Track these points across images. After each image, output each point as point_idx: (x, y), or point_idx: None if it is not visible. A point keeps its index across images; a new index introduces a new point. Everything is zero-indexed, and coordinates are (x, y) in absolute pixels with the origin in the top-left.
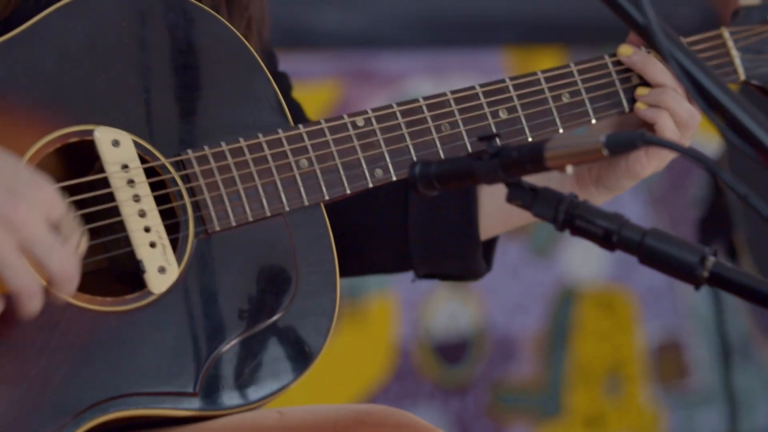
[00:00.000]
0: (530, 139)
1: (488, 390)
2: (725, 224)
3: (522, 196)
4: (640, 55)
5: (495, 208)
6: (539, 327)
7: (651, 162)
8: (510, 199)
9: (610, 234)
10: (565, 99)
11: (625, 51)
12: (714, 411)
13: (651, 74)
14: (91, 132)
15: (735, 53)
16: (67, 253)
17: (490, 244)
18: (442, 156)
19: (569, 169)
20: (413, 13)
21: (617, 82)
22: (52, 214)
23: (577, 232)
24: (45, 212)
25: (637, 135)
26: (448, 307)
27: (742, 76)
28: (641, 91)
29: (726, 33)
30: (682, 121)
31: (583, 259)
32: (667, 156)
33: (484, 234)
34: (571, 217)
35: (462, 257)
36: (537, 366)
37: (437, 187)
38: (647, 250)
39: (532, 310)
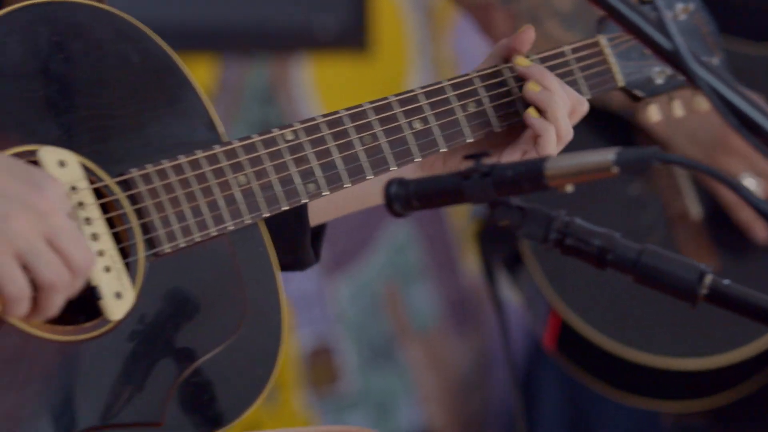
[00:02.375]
0: (443, 150)
1: None
2: (507, 234)
3: (509, 215)
4: (537, 67)
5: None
6: None
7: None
8: (496, 218)
9: (604, 253)
10: (471, 109)
11: (522, 62)
12: (361, 414)
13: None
14: (34, 152)
15: (613, 60)
16: (86, 242)
17: (318, 235)
18: (369, 170)
19: (569, 187)
20: None
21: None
22: (68, 206)
23: (568, 251)
24: (64, 202)
25: (651, 153)
26: None
27: (621, 83)
28: (533, 87)
29: (603, 40)
30: (562, 135)
31: None
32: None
33: (315, 220)
34: (563, 237)
35: (291, 246)
36: None
37: (416, 206)
38: (644, 269)
39: None
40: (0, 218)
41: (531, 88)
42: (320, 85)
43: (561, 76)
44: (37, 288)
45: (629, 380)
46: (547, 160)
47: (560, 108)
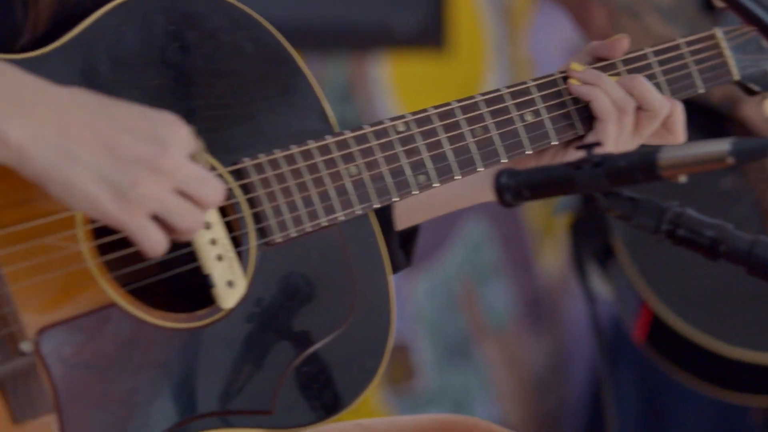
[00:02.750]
0: (555, 143)
1: None
2: (600, 226)
3: (621, 206)
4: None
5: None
6: None
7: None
8: (607, 209)
9: (717, 244)
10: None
11: (577, 67)
12: (437, 411)
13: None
14: None
15: (729, 53)
16: (214, 178)
17: (410, 238)
18: (480, 161)
19: (682, 178)
20: None
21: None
22: (192, 147)
23: (680, 242)
24: (188, 149)
25: (766, 143)
26: None
27: (737, 76)
28: (576, 66)
29: (719, 33)
30: (618, 104)
31: None
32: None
33: (402, 223)
34: (674, 228)
35: None
36: None
37: (527, 197)
38: (757, 260)
39: None
40: (129, 185)
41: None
42: (398, 84)
43: (676, 69)
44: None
45: (721, 374)
46: (662, 150)
47: (601, 97)
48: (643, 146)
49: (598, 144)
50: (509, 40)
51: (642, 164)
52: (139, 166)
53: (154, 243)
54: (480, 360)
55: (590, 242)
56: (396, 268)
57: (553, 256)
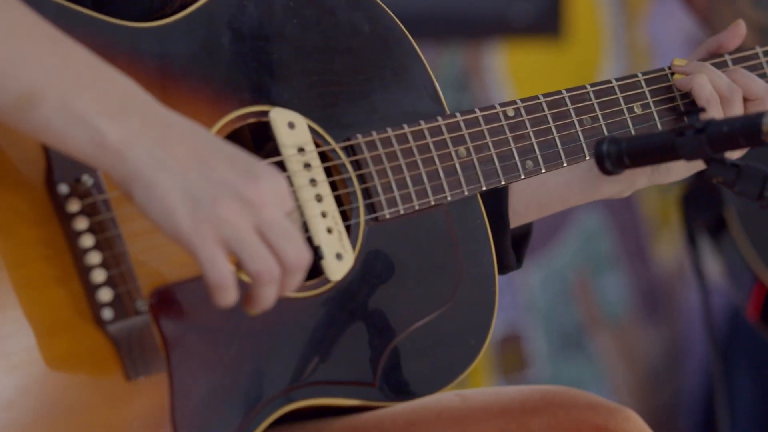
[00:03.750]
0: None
1: None
2: (712, 198)
3: (724, 172)
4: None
5: (527, 191)
6: None
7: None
8: (711, 175)
9: None
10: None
11: (680, 61)
12: None
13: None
14: (266, 113)
15: None
16: (301, 240)
17: (522, 240)
18: (587, 150)
19: None
20: None
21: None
22: (287, 204)
23: None
24: (282, 199)
25: None
26: None
27: None
28: (678, 61)
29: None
30: (722, 91)
31: None
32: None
33: (516, 220)
34: None
35: None
36: None
37: (628, 164)
38: None
39: None
40: (209, 203)
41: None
42: (514, 72)
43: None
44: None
45: None
46: (765, 115)
47: (703, 85)
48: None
49: (702, 110)
50: (627, 29)
51: (745, 129)
52: (225, 187)
53: (220, 274)
54: (594, 351)
55: (702, 214)
56: (506, 268)
57: (669, 246)
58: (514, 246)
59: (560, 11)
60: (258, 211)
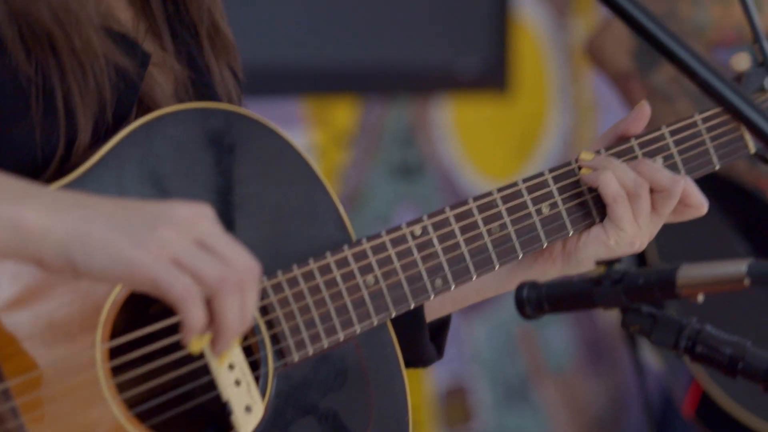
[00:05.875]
0: (571, 234)
1: None
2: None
3: (640, 321)
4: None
5: None
6: None
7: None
8: (626, 324)
9: (735, 362)
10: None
11: (586, 155)
12: None
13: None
14: None
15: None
16: (241, 247)
17: (440, 331)
18: (496, 261)
19: (700, 297)
20: None
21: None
22: (216, 221)
23: (698, 358)
24: (210, 214)
25: None
26: None
27: (752, 150)
28: (585, 155)
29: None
30: (628, 188)
31: None
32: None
33: (432, 315)
34: (693, 344)
35: (408, 344)
36: None
37: (547, 310)
38: None
39: None
40: (146, 230)
41: (583, 173)
42: (460, 126)
43: (692, 147)
44: (208, 291)
45: None
46: (680, 269)
47: (609, 182)
48: (663, 262)
49: (617, 261)
50: (572, 82)
51: (660, 282)
52: (154, 216)
53: (184, 285)
54: (539, 402)
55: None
56: (427, 362)
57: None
58: (433, 338)
59: (506, 65)
60: (195, 227)
